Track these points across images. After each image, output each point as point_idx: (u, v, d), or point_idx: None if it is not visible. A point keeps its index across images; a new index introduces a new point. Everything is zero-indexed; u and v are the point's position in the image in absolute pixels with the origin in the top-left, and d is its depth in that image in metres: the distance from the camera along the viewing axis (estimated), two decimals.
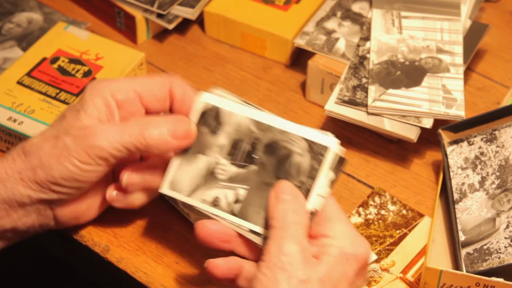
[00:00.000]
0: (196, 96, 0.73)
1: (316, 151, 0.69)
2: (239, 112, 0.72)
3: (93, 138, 0.69)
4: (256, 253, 0.69)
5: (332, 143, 0.69)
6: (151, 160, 0.75)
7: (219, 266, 0.68)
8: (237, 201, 0.70)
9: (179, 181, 0.72)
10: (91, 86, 0.73)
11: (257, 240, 0.69)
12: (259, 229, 0.69)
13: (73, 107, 0.72)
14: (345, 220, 0.69)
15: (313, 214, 0.69)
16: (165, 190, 0.72)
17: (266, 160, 0.70)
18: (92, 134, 0.69)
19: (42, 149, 0.70)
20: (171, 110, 0.74)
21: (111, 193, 0.74)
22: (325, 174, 0.69)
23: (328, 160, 0.69)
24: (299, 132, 0.70)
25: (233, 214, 0.70)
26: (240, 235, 0.70)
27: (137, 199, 0.74)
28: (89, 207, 0.75)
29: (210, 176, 0.72)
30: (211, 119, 0.72)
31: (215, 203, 0.71)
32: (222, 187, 0.71)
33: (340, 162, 0.70)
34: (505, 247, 0.73)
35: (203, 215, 0.72)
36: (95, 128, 0.70)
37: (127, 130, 0.70)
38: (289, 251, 0.64)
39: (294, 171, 0.69)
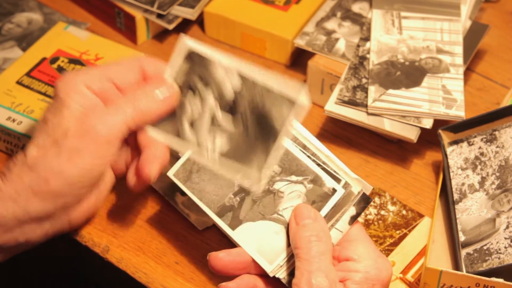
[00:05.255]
0: (179, 40, 0.72)
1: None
2: (222, 60, 0.70)
3: (95, 131, 0.69)
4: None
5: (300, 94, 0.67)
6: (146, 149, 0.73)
7: None
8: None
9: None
10: (64, 82, 0.71)
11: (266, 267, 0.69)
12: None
13: (52, 108, 0.71)
14: (369, 241, 0.69)
15: None
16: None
17: (250, 123, 0.69)
18: (92, 127, 0.69)
19: (47, 158, 0.69)
20: None
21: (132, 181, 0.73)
22: (347, 210, 0.69)
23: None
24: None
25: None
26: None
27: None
28: (96, 199, 0.74)
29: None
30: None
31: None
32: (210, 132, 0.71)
33: (365, 200, 0.70)
34: (505, 247, 0.73)
35: (202, 212, 0.72)
36: (92, 121, 0.69)
37: (120, 109, 0.70)
38: (318, 286, 0.64)
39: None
